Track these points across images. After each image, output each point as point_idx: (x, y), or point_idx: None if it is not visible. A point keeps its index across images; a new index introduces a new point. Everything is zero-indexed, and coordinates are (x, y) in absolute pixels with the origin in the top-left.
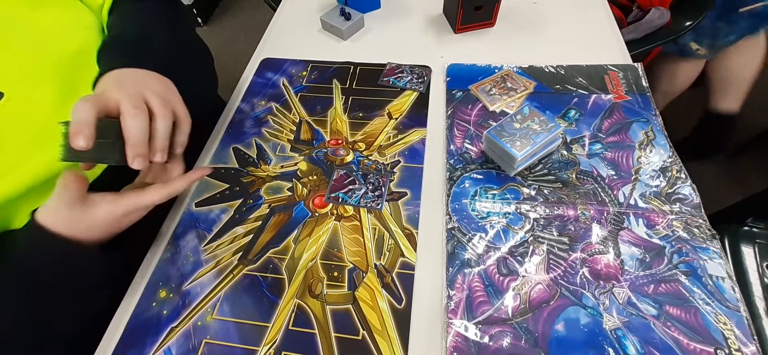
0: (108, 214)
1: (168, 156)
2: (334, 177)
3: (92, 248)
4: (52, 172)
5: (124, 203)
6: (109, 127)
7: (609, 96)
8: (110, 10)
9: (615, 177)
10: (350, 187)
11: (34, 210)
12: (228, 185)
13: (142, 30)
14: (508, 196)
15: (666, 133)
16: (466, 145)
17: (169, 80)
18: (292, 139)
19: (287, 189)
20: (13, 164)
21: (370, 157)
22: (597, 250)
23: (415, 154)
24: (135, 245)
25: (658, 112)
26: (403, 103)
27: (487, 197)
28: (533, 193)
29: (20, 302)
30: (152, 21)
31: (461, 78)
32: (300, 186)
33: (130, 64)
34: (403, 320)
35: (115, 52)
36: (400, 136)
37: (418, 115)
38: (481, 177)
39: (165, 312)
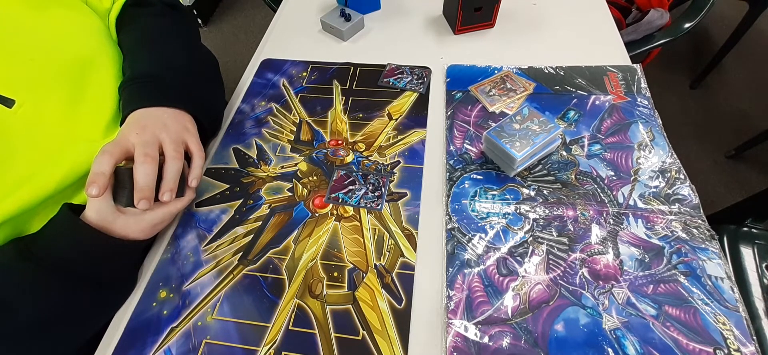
0: (146, 222)
1: (185, 187)
2: (334, 178)
3: (132, 247)
4: (67, 183)
5: (160, 213)
6: (124, 173)
7: (608, 97)
8: (119, 21)
9: (614, 178)
10: (350, 187)
11: (68, 205)
12: (228, 186)
13: (160, 60)
14: (508, 196)
15: (665, 134)
16: (465, 145)
17: (188, 117)
18: (293, 139)
19: (287, 189)
20: (29, 175)
21: (370, 158)
22: (596, 250)
23: (415, 154)
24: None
25: (657, 113)
26: (403, 104)
27: (486, 198)
28: (533, 193)
29: (61, 293)
30: (168, 44)
31: (461, 79)
32: (300, 186)
33: (154, 103)
34: (403, 320)
35: (138, 92)
36: (400, 137)
37: (417, 116)
38: (481, 178)
39: (165, 312)
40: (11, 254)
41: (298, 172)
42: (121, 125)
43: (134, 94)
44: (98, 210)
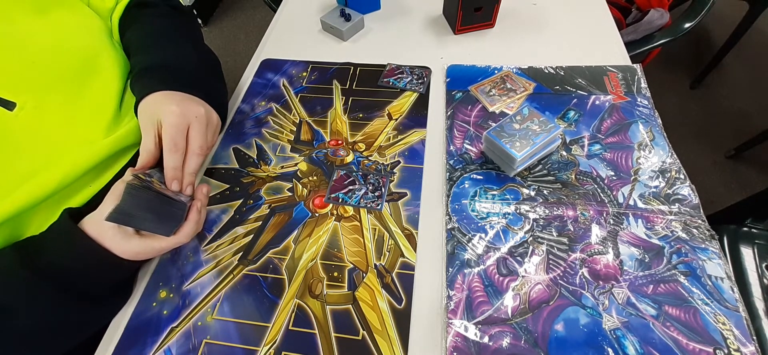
0: (132, 245)
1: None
2: (334, 177)
3: (125, 262)
4: (65, 183)
5: (149, 245)
6: (131, 188)
7: (608, 97)
8: (123, 21)
9: (614, 178)
10: (350, 187)
11: (69, 212)
12: (228, 186)
13: (170, 55)
14: (508, 196)
15: (665, 134)
16: (465, 145)
17: (208, 105)
18: (293, 139)
19: (287, 189)
20: (28, 175)
21: (370, 158)
22: (596, 250)
23: (415, 154)
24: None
25: (657, 113)
26: (403, 104)
27: (486, 198)
28: (533, 193)
29: (56, 299)
30: (175, 42)
31: (461, 79)
32: (300, 186)
33: (172, 89)
34: (403, 320)
35: (156, 79)
36: (400, 137)
37: (417, 116)
38: (481, 178)
39: (165, 312)
40: (11, 260)
41: (298, 172)
42: (135, 112)
43: (154, 81)
44: (95, 220)
